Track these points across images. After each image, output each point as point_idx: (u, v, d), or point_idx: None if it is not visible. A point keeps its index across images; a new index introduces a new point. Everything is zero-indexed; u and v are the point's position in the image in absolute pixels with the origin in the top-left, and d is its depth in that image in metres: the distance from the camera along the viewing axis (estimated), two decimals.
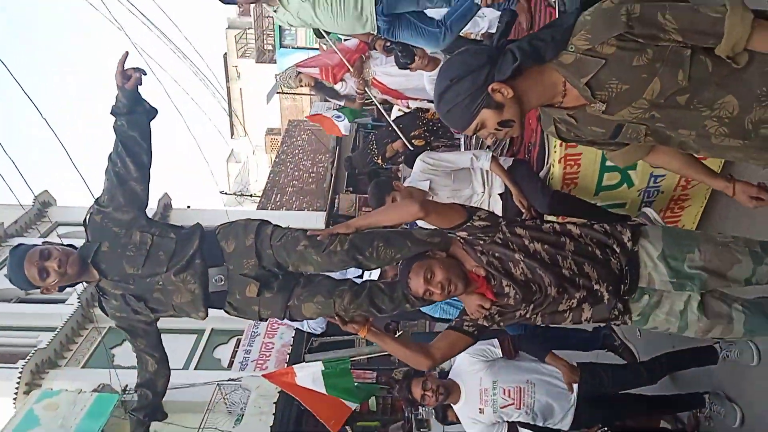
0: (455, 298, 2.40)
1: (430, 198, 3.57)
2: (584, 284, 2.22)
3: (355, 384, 4.88)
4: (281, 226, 2.62)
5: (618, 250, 2.24)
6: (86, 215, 2.62)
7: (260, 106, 24.62)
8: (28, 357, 11.72)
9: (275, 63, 25.37)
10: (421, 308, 3.37)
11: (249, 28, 25.75)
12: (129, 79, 2.46)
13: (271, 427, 7.92)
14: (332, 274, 2.67)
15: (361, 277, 3.88)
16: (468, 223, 2.29)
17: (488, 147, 4.01)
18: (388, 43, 4.69)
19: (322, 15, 3.90)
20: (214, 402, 10.69)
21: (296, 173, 18.12)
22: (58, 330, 12.49)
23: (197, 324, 10.49)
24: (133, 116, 2.53)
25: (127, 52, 2.48)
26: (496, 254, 2.27)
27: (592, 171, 3.25)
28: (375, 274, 3.60)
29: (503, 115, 1.73)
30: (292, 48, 22.12)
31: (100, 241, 2.54)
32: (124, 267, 2.51)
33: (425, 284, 2.28)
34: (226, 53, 26.39)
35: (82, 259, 2.51)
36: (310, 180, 17.71)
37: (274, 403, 8.08)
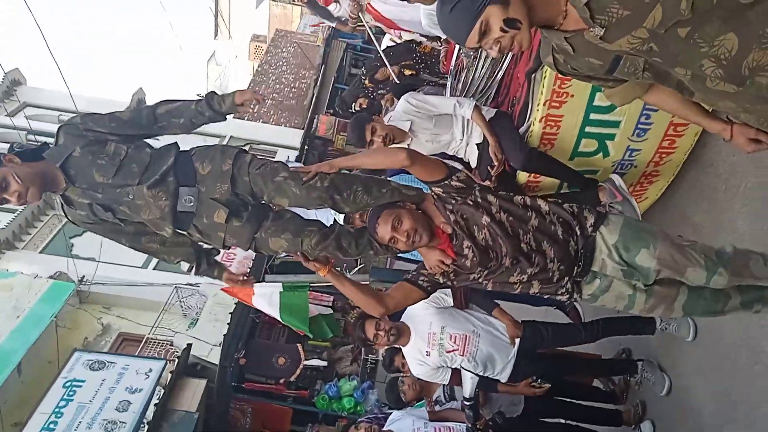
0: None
1: (410, 139, 3.56)
2: (539, 261, 2.29)
3: (311, 315, 4.96)
4: (259, 156, 2.62)
5: (579, 233, 2.30)
6: (69, 120, 2.56)
7: (248, 10, 23.76)
8: None
9: None
10: None
11: None
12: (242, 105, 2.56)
13: (224, 335, 8.08)
14: (301, 212, 2.69)
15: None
16: (446, 181, 2.34)
17: (472, 96, 3.98)
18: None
19: None
20: (170, 304, 10.85)
21: (277, 86, 17.70)
22: (18, 212, 12.34)
23: None
24: (209, 118, 2.59)
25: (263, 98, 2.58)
26: (464, 215, 2.33)
27: (570, 135, 3.25)
28: (340, 218, 3.63)
29: (509, 12, 1.62)
30: None
31: (73, 147, 2.48)
32: (93, 175, 2.46)
33: (392, 231, 2.32)
34: None
35: (46, 170, 2.45)
36: (291, 95, 17.36)
37: (230, 313, 8.22)
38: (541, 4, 1.65)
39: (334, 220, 3.20)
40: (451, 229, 2.33)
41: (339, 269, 2.55)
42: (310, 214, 2.83)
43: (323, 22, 7.19)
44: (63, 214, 2.64)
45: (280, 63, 18.84)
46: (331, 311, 5.79)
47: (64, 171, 2.45)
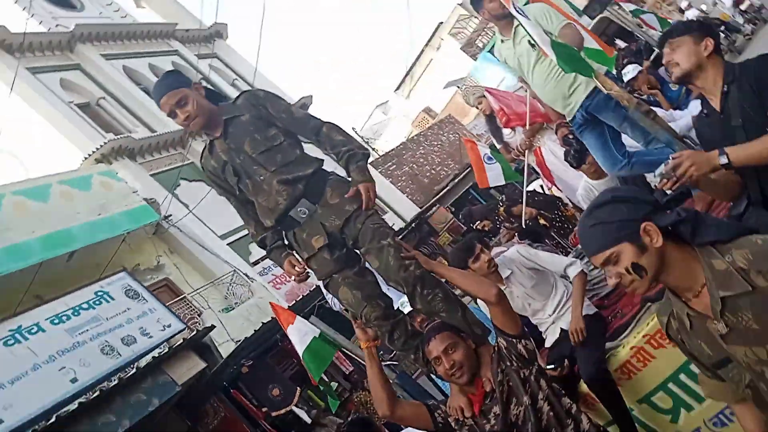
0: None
1: (503, 287, 3.58)
2: None
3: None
4: (379, 214, 2.74)
5: None
6: (254, 90, 2.81)
7: (435, 85, 24.92)
8: (119, 136, 12.63)
9: (475, 60, 25.60)
10: None
11: (475, 17, 25.97)
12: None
13: (246, 337, 8.23)
14: (381, 281, 2.78)
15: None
16: (515, 341, 2.34)
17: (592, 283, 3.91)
18: (570, 136, 4.70)
19: (537, 72, 3.98)
20: (221, 281, 11.22)
21: (421, 160, 18.30)
22: (156, 134, 13.35)
23: None
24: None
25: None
26: (511, 383, 2.31)
27: (652, 380, 3.05)
28: (406, 308, 3.69)
29: (641, 259, 1.62)
30: (497, 61, 22.13)
31: (244, 112, 2.70)
32: (245, 143, 2.65)
33: (441, 353, 2.36)
34: (442, 23, 26.77)
35: (215, 113, 2.68)
36: (428, 175, 17.85)
37: (263, 322, 8.38)
38: (678, 271, 1.64)
39: (398, 307, 3.24)
40: (490, 387, 2.33)
41: (377, 351, 2.61)
42: (387, 287, 2.89)
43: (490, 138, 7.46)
44: (200, 161, 2.85)
45: (435, 143, 19.50)
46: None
47: (226, 125, 2.68)
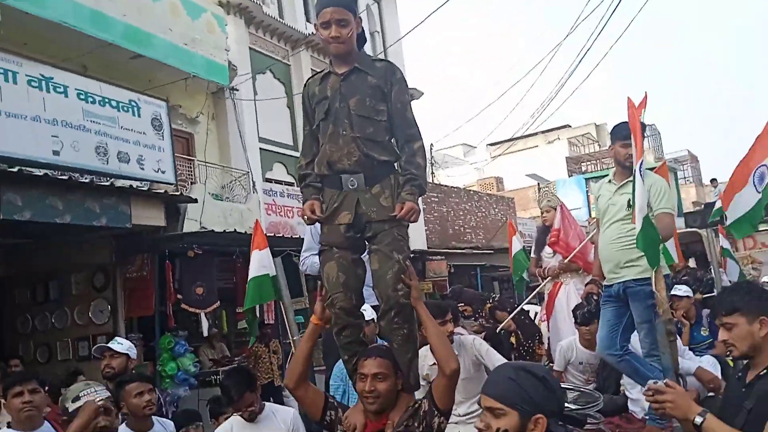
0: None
1: None
2: None
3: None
4: (407, 230, 2.69)
5: None
6: (395, 67, 2.75)
7: (522, 167, 24.91)
8: None
9: (569, 176, 25.58)
10: None
11: (597, 143, 26.01)
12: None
13: (213, 230, 8.24)
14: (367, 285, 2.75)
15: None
16: (437, 412, 2.39)
17: None
18: (595, 297, 4.64)
19: (614, 228, 3.99)
20: (230, 171, 11.25)
21: (460, 213, 18.28)
22: (282, 21, 13.41)
23: None
24: None
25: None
26: None
27: None
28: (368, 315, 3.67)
29: None
30: (584, 191, 22.17)
31: (375, 77, 2.66)
32: (354, 96, 2.63)
33: (370, 375, 2.42)
34: (569, 126, 26.76)
35: (354, 54, 2.69)
36: (456, 228, 17.82)
37: (236, 230, 8.39)
38: None
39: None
40: (390, 429, 2.37)
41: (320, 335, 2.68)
42: (367, 291, 2.86)
43: (526, 244, 7.40)
44: (312, 76, 2.84)
45: (482, 210, 19.45)
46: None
47: (352, 72, 2.66)
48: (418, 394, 2.61)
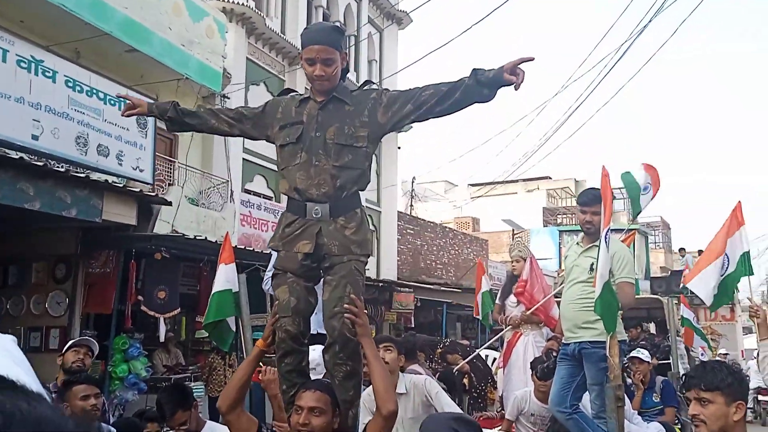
0: None
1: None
2: None
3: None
4: (364, 266, 2.67)
5: None
6: (380, 89, 2.73)
7: (498, 210, 25.19)
8: (257, 10, 12.79)
9: (543, 226, 25.91)
10: None
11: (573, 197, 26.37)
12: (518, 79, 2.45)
13: (184, 234, 8.16)
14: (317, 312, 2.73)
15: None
16: None
17: None
18: (554, 353, 4.69)
19: (575, 289, 4.07)
20: (210, 177, 11.17)
21: (434, 248, 18.37)
22: (283, 36, 13.50)
23: None
24: (482, 93, 2.52)
25: (532, 58, 2.48)
26: None
27: None
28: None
29: None
30: (557, 243, 22.45)
31: (353, 105, 2.65)
32: (332, 126, 2.60)
33: (307, 408, 2.35)
34: (550, 178, 27.14)
35: (335, 86, 2.67)
36: (428, 262, 17.87)
37: (206, 237, 8.31)
38: None
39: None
40: None
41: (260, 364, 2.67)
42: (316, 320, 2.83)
43: (494, 286, 7.48)
44: (291, 91, 2.85)
45: (456, 248, 19.54)
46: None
47: (330, 101, 2.63)
48: None
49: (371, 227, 14.24)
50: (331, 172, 2.56)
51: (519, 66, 2.43)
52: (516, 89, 2.45)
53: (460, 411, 3.84)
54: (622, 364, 4.31)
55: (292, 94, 2.81)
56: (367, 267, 2.74)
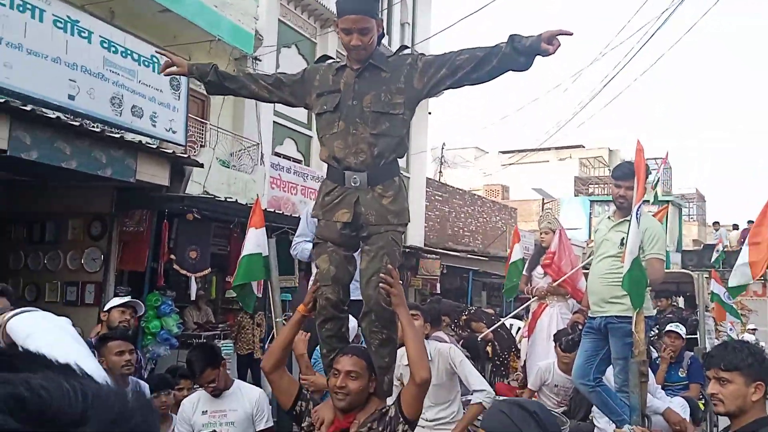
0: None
1: None
2: None
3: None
4: (402, 235, 2.72)
5: None
6: (416, 55, 2.74)
7: (529, 179, 24.93)
8: None
9: (574, 196, 25.57)
10: None
11: (608, 169, 25.96)
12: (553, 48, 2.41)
13: (216, 196, 8.28)
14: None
15: None
16: (402, 420, 2.43)
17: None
18: (580, 326, 4.70)
19: (604, 264, 4.04)
20: (242, 140, 11.25)
21: (462, 215, 18.30)
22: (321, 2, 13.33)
23: None
24: (518, 61, 2.48)
25: (571, 32, 2.43)
26: None
27: None
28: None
29: None
30: (588, 212, 22.16)
31: (389, 72, 2.64)
32: (369, 93, 2.60)
33: (344, 372, 2.45)
34: (582, 146, 26.68)
35: (372, 53, 2.66)
36: (455, 230, 17.83)
37: (237, 200, 8.42)
38: None
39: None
40: (354, 430, 2.41)
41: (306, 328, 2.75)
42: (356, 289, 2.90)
43: (526, 255, 7.42)
44: (329, 59, 2.85)
45: (484, 216, 19.45)
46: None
47: (366, 68, 2.63)
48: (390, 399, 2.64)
49: None
50: (369, 140, 2.57)
51: (557, 37, 2.39)
52: (550, 54, 2.41)
53: (483, 379, 3.88)
54: (648, 338, 4.30)
55: (329, 61, 2.81)
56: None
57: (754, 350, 2.35)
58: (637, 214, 3.44)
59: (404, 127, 2.66)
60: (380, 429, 2.42)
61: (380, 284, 2.50)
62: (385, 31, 2.85)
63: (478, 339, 6.22)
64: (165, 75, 2.98)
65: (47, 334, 1.04)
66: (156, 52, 6.83)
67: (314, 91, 2.72)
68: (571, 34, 2.41)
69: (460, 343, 5.46)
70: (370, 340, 2.61)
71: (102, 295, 7.11)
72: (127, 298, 4.45)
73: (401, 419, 2.43)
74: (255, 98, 2.97)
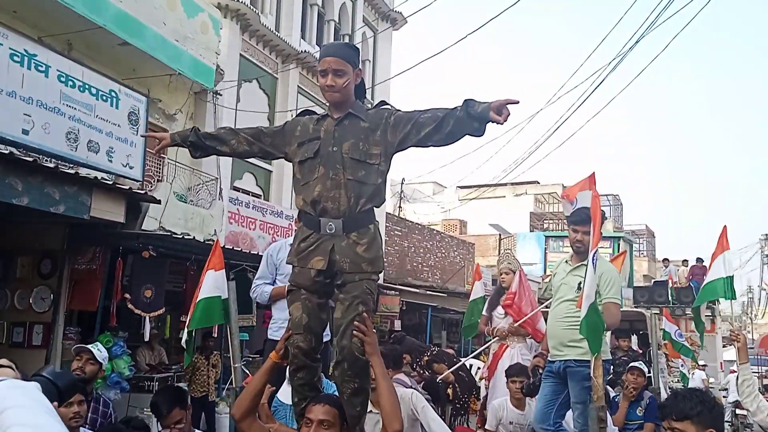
0: None
1: None
2: None
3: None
4: (376, 284, 2.73)
5: None
6: (392, 110, 2.75)
7: (485, 214, 25.27)
8: (252, 7, 12.73)
9: (530, 231, 26.05)
10: None
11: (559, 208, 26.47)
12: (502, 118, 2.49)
13: (173, 233, 8.12)
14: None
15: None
16: None
17: None
18: (540, 370, 4.75)
19: (562, 307, 4.09)
20: (200, 174, 11.13)
21: (421, 250, 18.41)
22: (280, 36, 13.46)
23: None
24: (472, 125, 2.57)
25: (518, 101, 2.53)
26: None
27: None
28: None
29: None
30: (543, 247, 22.58)
31: (367, 122, 2.70)
32: (348, 141, 2.65)
33: (317, 422, 2.44)
34: (538, 182, 27.24)
35: (350, 102, 2.73)
36: (414, 265, 17.90)
37: (194, 237, 8.28)
38: None
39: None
40: None
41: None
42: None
43: (486, 293, 7.45)
44: (310, 111, 2.88)
45: (442, 251, 19.59)
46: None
47: (346, 117, 2.70)
48: None
49: None
50: (347, 186, 2.62)
51: (506, 106, 2.48)
52: (500, 123, 2.51)
53: (445, 426, 3.87)
54: (605, 381, 4.37)
55: (310, 115, 2.86)
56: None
57: (703, 398, 2.39)
58: (593, 259, 3.52)
59: (380, 177, 2.70)
60: None
61: (354, 332, 2.50)
62: (366, 88, 2.92)
63: (438, 381, 6.19)
64: (156, 153, 3.00)
65: (23, 410, 1.00)
66: (141, 136, 7.31)
67: (295, 141, 2.76)
68: (517, 102, 2.51)
69: (421, 384, 5.44)
70: (343, 389, 2.60)
71: (51, 336, 6.85)
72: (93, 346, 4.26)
73: None
74: (235, 155, 2.99)
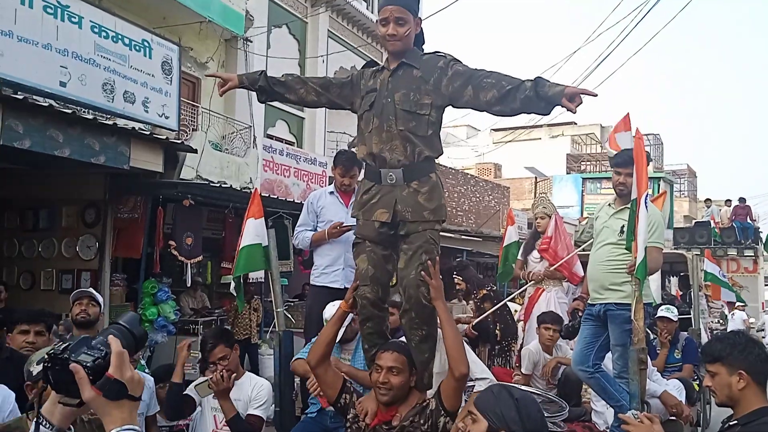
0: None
1: None
2: None
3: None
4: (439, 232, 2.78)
5: None
6: (449, 58, 2.71)
7: (521, 156, 24.89)
8: None
9: (566, 173, 25.59)
10: None
11: (603, 151, 25.96)
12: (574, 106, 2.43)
13: (210, 181, 8.24)
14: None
15: None
16: (443, 412, 2.52)
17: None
18: (580, 313, 4.74)
19: (605, 250, 4.04)
20: (233, 122, 11.15)
21: (455, 194, 18.33)
22: None
23: None
24: (539, 105, 2.53)
25: (596, 94, 2.48)
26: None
27: None
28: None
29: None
30: (580, 189, 22.21)
31: (420, 71, 2.71)
32: (399, 91, 2.68)
33: (386, 367, 2.56)
34: (575, 123, 26.58)
35: (408, 51, 2.74)
36: (449, 209, 17.82)
37: (231, 185, 8.38)
38: None
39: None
40: (397, 423, 2.52)
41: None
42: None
43: (521, 237, 7.37)
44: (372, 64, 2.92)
45: (477, 195, 19.45)
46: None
47: (400, 66, 2.71)
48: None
49: None
50: (401, 136, 2.63)
51: (580, 95, 2.43)
52: (573, 112, 2.48)
53: (485, 367, 3.90)
54: (646, 324, 4.34)
55: (372, 67, 2.88)
56: None
57: (736, 340, 2.39)
58: (645, 203, 3.45)
59: (430, 128, 2.69)
60: (421, 422, 2.51)
61: (420, 280, 2.57)
62: (425, 36, 2.87)
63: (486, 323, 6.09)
64: (221, 94, 3.01)
65: None
66: (206, 75, 7.02)
67: (359, 93, 2.81)
68: (595, 95, 2.46)
69: (472, 324, 5.48)
70: (411, 336, 2.69)
71: (98, 283, 7.10)
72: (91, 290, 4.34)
73: (442, 412, 2.52)
74: (302, 103, 3.01)
